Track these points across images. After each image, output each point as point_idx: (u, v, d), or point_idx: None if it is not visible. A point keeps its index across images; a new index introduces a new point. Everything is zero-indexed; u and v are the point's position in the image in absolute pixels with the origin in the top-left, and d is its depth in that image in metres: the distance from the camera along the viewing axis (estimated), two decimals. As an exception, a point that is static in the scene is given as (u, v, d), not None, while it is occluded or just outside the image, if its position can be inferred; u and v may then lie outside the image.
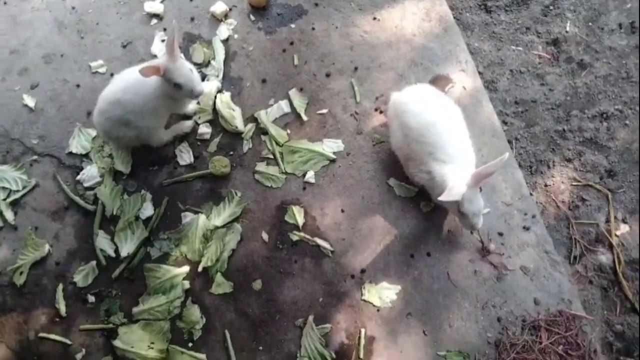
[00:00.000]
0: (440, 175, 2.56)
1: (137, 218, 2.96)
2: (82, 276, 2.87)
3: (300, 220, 2.89)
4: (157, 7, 3.39)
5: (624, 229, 3.04)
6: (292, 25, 3.32)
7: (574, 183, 3.14)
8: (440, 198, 2.40)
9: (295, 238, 2.87)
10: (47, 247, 2.93)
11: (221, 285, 2.82)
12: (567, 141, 3.24)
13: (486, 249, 2.80)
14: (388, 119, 2.93)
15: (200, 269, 2.82)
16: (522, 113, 3.33)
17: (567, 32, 3.48)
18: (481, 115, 3.01)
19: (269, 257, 2.85)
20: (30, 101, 3.24)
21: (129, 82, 2.78)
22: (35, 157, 3.12)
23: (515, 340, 2.63)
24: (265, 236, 2.89)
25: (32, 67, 3.33)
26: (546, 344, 2.60)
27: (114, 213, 2.97)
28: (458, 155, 2.58)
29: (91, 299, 2.83)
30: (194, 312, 2.77)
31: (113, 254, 2.90)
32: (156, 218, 2.95)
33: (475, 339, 2.65)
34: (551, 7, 3.55)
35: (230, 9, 3.37)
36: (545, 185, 3.15)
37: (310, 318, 2.70)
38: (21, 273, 2.90)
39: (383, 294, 2.75)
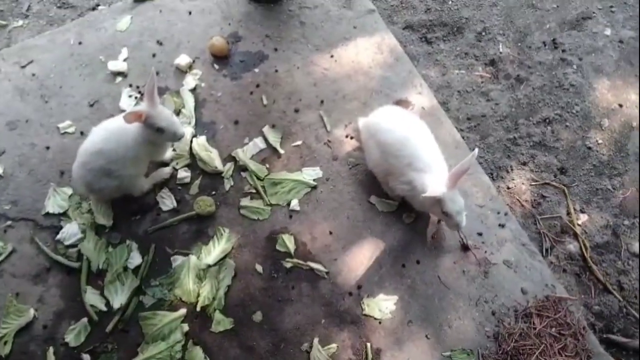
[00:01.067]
0: (420, 183, 2.73)
1: (125, 269, 2.90)
2: (73, 335, 2.74)
3: (291, 247, 2.95)
4: (121, 66, 3.46)
5: (583, 218, 3.32)
6: (256, 70, 3.49)
7: (532, 183, 3.42)
8: (425, 195, 2.58)
9: (288, 265, 2.91)
10: (31, 311, 2.79)
11: (221, 323, 2.79)
12: (519, 147, 3.54)
13: (465, 245, 2.97)
14: (362, 141, 3.10)
15: (198, 308, 2.79)
16: (475, 127, 3.62)
17: (501, 52, 3.87)
18: (442, 131, 3.25)
19: (266, 288, 2.87)
20: (-3, 169, 3.18)
21: (109, 132, 2.81)
22: (9, 222, 3.02)
23: (512, 329, 2.76)
24: (259, 268, 2.91)
25: (-4, 136, 3.29)
26: (540, 328, 2.75)
27: (100, 267, 2.90)
28: (433, 164, 2.78)
29: (86, 357, 2.70)
30: (197, 354, 2.70)
31: (104, 308, 2.81)
32: (145, 266, 2.91)
33: (474, 335, 2.76)
34: (483, 33, 3.95)
35: (193, 61, 3.50)
36: (508, 188, 3.40)
37: (316, 341, 2.72)
38: (5, 343, 2.73)
39: (382, 305, 2.82)
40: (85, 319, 2.78)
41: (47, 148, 3.23)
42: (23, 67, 3.52)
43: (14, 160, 3.20)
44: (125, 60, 3.52)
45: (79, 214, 3.05)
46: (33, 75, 3.48)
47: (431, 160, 2.79)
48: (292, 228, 3.02)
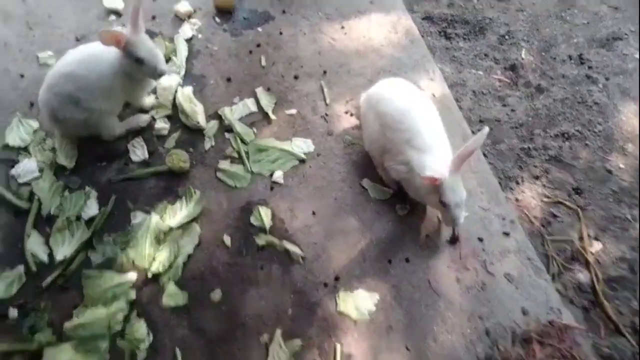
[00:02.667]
0: (418, 165, 2.18)
1: (78, 218, 2.35)
2: (4, 285, 2.17)
3: (267, 222, 2.39)
4: (117, 3, 2.94)
5: (597, 246, 2.72)
6: (259, 29, 2.96)
7: (544, 199, 2.84)
8: (424, 175, 2.03)
9: (261, 242, 2.35)
10: (-39, 251, 2.25)
11: (173, 296, 2.21)
12: (532, 159, 2.98)
13: (455, 237, 2.43)
14: (361, 115, 2.55)
15: (149, 275, 2.23)
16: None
17: (522, 59, 3.34)
18: (451, 121, 2.70)
19: (231, 264, 2.31)
20: (-40, 90, 2.63)
21: (84, 55, 2.29)
22: (-40, 149, 2.49)
23: (507, 354, 2.16)
24: (227, 240, 2.35)
25: (-32, 56, 2.75)
26: (540, 357, 2.16)
27: (52, 212, 2.35)
28: (435, 145, 2.23)
29: (13, 313, 2.12)
30: (140, 328, 2.12)
31: (46, 260, 2.25)
32: (101, 218, 2.35)
33: (463, 353, 2.17)
34: (506, 37, 3.42)
35: (194, 11, 2.97)
36: (517, 200, 2.84)
37: (278, 333, 2.14)
38: None
39: (360, 304, 2.24)
40: (21, 268, 2.22)
41: (22, 76, 2.70)
42: (14, -9, 3.00)
43: (-20, 84, 2.67)
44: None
45: (41, 150, 2.51)
46: (23, 1, 2.95)
47: (434, 140, 2.24)
48: (272, 201, 2.46)
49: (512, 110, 3.14)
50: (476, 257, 2.40)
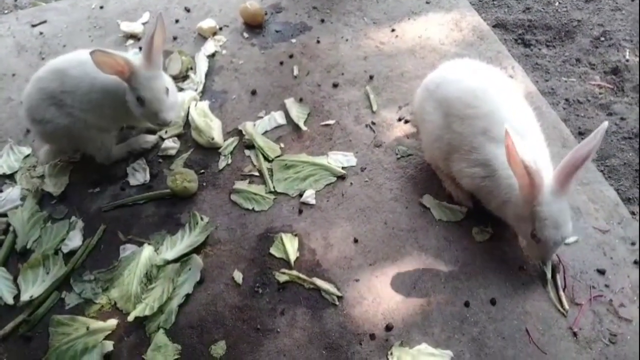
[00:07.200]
0: (502, 163, 1.60)
1: (57, 252, 1.95)
2: (-46, 333, 1.77)
3: (292, 253, 1.85)
4: (135, 27, 2.75)
5: None
6: (293, 40, 2.62)
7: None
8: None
9: (283, 279, 1.80)
10: None
11: (162, 349, 1.68)
12: (658, 176, 2.29)
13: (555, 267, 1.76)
14: (416, 110, 2.04)
15: (130, 318, 1.72)
16: (590, 144, 2.44)
17: (627, 61, 2.74)
18: (545, 123, 2.10)
19: (241, 307, 1.76)
20: (-43, 119, 2.44)
21: (83, 57, 1.98)
22: (-59, 179, 2.22)
23: None
24: (237, 276, 1.83)
25: (-27, 87, 2.60)
26: None
27: (28, 246, 1.98)
28: (524, 134, 1.64)
29: (-41, 369, 1.71)
30: (113, 394, 1.61)
31: (11, 301, 1.83)
32: (83, 252, 1.93)
33: None
34: (602, 39, 2.86)
35: (220, 28, 2.71)
36: (643, 228, 2.12)
37: (303, 405, 1.54)
38: None
39: (423, 364, 1.59)
40: (-22, 312, 1.82)
41: (22, 103, 2.48)
42: (34, 25, 2.93)
43: (-20, 113, 2.48)
44: (144, 24, 2.81)
45: (27, 177, 2.20)
46: (40, 34, 2.86)
47: (521, 127, 1.65)
48: (299, 227, 1.94)
49: (622, 119, 2.51)
50: (596, 297, 1.69)
